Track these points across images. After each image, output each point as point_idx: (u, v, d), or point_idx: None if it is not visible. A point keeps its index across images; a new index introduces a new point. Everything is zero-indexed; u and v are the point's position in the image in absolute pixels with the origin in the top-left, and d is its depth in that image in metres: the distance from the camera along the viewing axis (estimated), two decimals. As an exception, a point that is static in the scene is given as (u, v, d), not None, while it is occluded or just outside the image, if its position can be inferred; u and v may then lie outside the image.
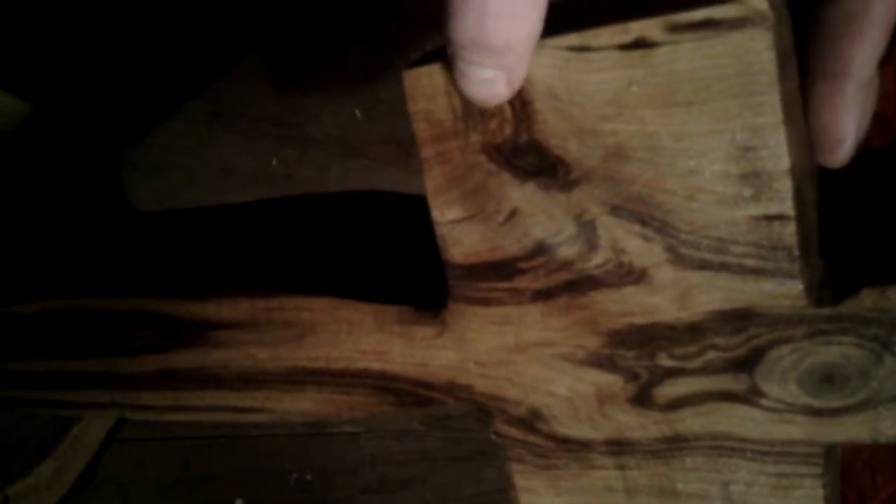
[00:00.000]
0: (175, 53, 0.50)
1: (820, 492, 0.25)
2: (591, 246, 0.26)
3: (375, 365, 0.32)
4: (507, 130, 0.25)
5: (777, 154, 0.22)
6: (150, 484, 0.65)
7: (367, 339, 0.32)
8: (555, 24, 0.23)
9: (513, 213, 0.26)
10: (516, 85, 0.24)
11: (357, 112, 0.55)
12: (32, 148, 0.49)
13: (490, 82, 0.23)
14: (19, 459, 0.55)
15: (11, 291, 0.42)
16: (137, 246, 0.50)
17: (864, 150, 0.24)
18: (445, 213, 0.27)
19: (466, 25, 0.22)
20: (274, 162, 0.54)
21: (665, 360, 0.26)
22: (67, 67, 0.49)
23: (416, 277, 0.35)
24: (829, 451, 0.25)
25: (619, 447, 0.28)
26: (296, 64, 0.51)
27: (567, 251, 0.26)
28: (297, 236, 0.50)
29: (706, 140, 0.22)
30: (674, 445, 0.27)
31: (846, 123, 0.23)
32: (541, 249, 0.26)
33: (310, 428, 0.73)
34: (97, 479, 0.63)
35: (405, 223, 0.45)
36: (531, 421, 0.29)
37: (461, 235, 0.28)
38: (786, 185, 0.22)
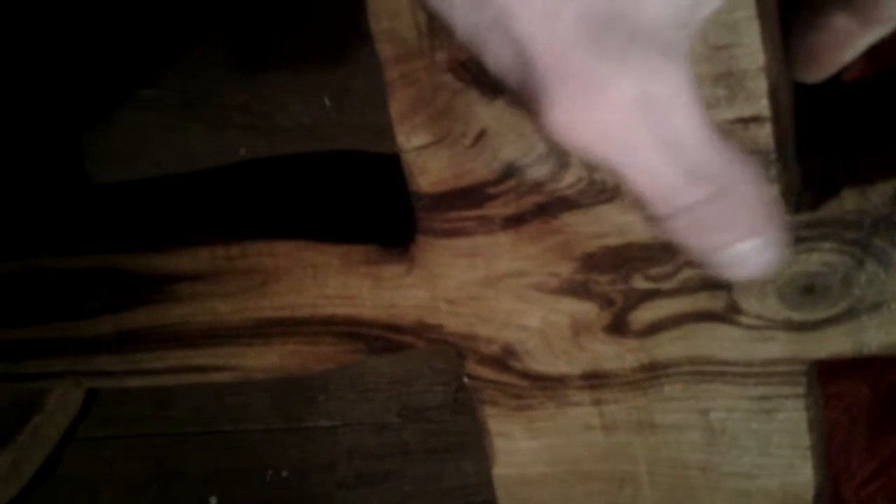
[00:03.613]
0: (141, 41, 0.48)
1: (803, 413, 0.24)
2: (563, 164, 0.25)
3: (342, 310, 0.31)
4: None
5: (751, 51, 0.21)
6: (121, 482, 0.62)
7: (333, 282, 0.30)
8: None
9: (481, 135, 0.25)
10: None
11: (326, 100, 0.54)
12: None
13: (752, 253, 0.16)
14: (-24, 450, 0.53)
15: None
16: (97, 213, 0.48)
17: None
18: (411, 140, 0.26)
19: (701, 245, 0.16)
20: (242, 151, 0.52)
21: (640, 283, 0.25)
22: (33, 53, 0.48)
23: (383, 217, 0.34)
24: (811, 370, 0.24)
25: (595, 380, 0.27)
26: (264, 52, 0.50)
27: (538, 172, 0.25)
28: (262, 191, 0.49)
29: None
30: (651, 374, 0.26)
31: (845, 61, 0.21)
32: (510, 171, 0.25)
33: (286, 422, 0.71)
34: (65, 477, 0.61)
35: (372, 176, 0.44)
36: (504, 359, 0.28)
37: (428, 162, 0.26)
38: (760, 84, 0.21)
